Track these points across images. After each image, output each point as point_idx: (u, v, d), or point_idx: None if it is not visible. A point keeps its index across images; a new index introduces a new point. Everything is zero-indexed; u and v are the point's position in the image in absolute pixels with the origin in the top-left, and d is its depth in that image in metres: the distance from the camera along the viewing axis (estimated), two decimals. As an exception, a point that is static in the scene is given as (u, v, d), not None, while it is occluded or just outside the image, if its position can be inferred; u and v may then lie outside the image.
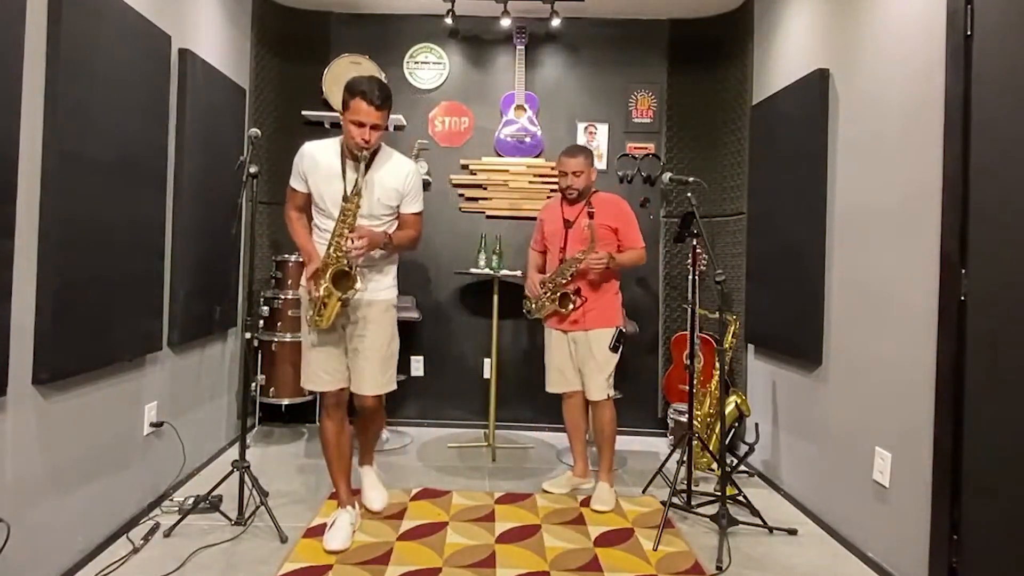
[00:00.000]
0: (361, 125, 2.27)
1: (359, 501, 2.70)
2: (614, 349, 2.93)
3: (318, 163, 2.40)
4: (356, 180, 2.27)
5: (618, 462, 3.42)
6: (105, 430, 2.34)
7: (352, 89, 2.28)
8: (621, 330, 2.95)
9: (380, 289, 2.50)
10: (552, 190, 4.01)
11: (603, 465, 3.00)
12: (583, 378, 2.99)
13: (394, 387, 2.55)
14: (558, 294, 2.92)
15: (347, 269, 2.24)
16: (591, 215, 2.87)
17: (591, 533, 2.62)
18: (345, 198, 2.29)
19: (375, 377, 2.47)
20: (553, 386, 3.08)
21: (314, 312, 2.33)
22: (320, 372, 2.48)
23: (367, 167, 2.31)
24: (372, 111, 2.26)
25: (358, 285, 2.23)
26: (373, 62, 3.97)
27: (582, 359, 2.96)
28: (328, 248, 2.31)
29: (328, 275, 2.24)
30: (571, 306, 2.90)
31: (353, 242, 2.23)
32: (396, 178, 2.44)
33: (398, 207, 2.48)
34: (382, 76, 3.94)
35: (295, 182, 2.49)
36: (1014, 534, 1.81)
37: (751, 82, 3.61)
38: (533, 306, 3.08)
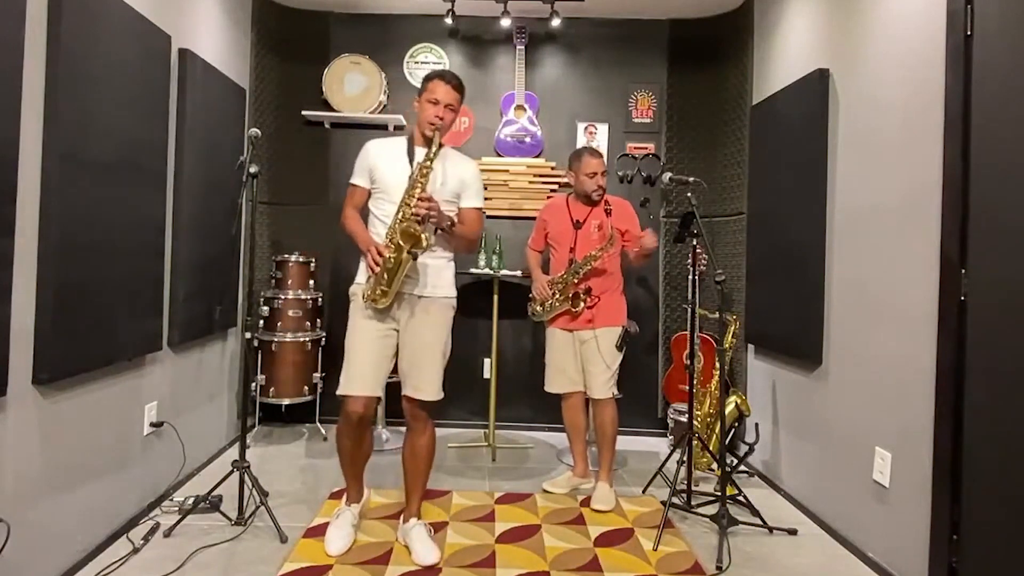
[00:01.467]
0: (436, 103, 2.35)
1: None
2: (619, 348, 2.94)
3: (384, 156, 2.41)
4: (428, 152, 2.28)
5: (618, 462, 3.43)
6: (105, 430, 2.34)
7: (429, 75, 2.42)
8: (626, 329, 2.96)
9: (440, 286, 2.41)
10: (552, 190, 4.03)
11: (603, 465, 3.00)
12: (587, 377, 2.99)
13: (442, 395, 2.42)
14: (570, 293, 2.93)
15: (414, 231, 2.20)
16: (608, 212, 2.93)
17: (591, 533, 2.62)
18: (414, 173, 2.29)
19: (434, 379, 2.36)
20: (554, 386, 3.08)
21: (376, 287, 2.26)
22: (361, 373, 2.31)
23: (434, 155, 2.30)
24: (449, 90, 2.36)
25: (426, 243, 2.18)
26: (373, 62, 3.97)
27: (588, 357, 2.97)
28: (396, 214, 2.28)
29: (398, 233, 2.22)
30: (582, 305, 2.91)
31: (419, 204, 2.22)
32: (461, 168, 2.46)
33: (458, 203, 2.45)
34: (382, 76, 3.95)
35: (358, 178, 2.45)
36: (1014, 534, 1.81)
37: (751, 82, 3.61)
38: (539, 308, 3.07)
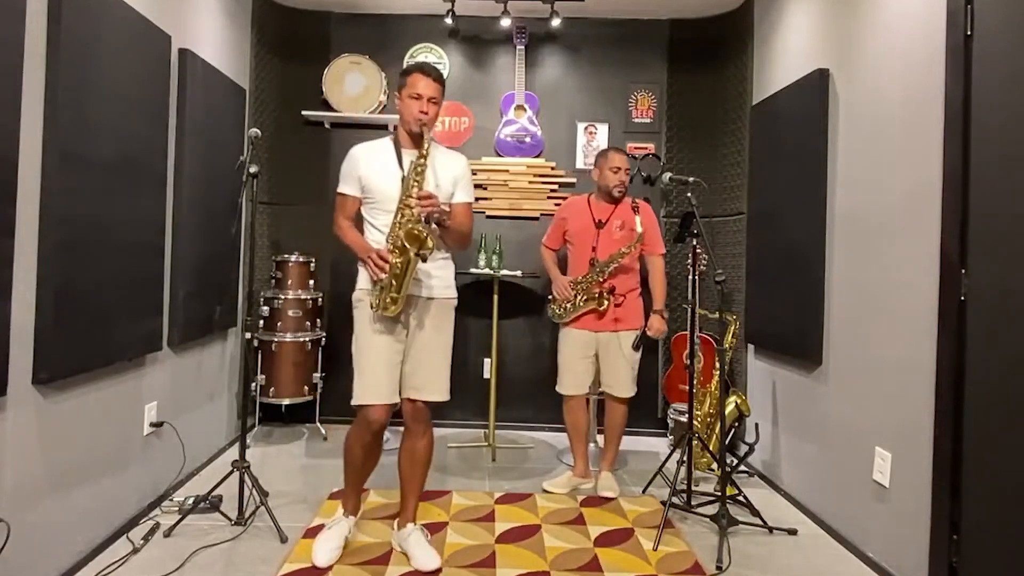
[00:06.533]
0: (419, 97, 2.26)
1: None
2: (635, 348, 2.97)
3: (372, 162, 2.33)
4: (420, 152, 2.22)
5: (618, 462, 3.42)
6: (105, 430, 2.34)
7: (407, 69, 2.34)
8: (643, 330, 3.01)
9: (445, 287, 2.39)
10: (552, 190, 4.03)
11: (608, 456, 3.05)
12: (609, 375, 3.01)
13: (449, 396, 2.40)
14: (595, 293, 2.94)
15: (418, 232, 2.14)
16: (636, 209, 2.98)
17: (591, 533, 2.62)
18: (408, 173, 2.23)
19: (443, 380, 2.35)
20: (570, 388, 3.06)
21: (384, 295, 2.17)
22: (377, 382, 2.25)
23: (427, 151, 2.24)
24: (430, 83, 2.28)
25: (432, 242, 2.13)
26: (373, 62, 3.97)
27: (611, 358, 2.98)
28: (395, 216, 2.22)
29: (402, 236, 2.14)
30: (607, 303, 2.92)
31: (418, 202, 2.15)
32: (452, 164, 2.39)
33: (450, 199, 2.36)
34: (382, 76, 3.95)
35: (347, 187, 2.37)
36: (1014, 534, 1.81)
37: (751, 82, 3.61)
38: (559, 309, 3.06)
